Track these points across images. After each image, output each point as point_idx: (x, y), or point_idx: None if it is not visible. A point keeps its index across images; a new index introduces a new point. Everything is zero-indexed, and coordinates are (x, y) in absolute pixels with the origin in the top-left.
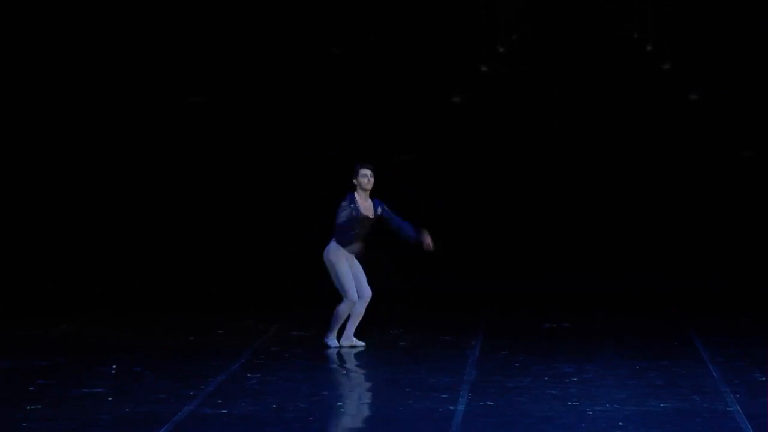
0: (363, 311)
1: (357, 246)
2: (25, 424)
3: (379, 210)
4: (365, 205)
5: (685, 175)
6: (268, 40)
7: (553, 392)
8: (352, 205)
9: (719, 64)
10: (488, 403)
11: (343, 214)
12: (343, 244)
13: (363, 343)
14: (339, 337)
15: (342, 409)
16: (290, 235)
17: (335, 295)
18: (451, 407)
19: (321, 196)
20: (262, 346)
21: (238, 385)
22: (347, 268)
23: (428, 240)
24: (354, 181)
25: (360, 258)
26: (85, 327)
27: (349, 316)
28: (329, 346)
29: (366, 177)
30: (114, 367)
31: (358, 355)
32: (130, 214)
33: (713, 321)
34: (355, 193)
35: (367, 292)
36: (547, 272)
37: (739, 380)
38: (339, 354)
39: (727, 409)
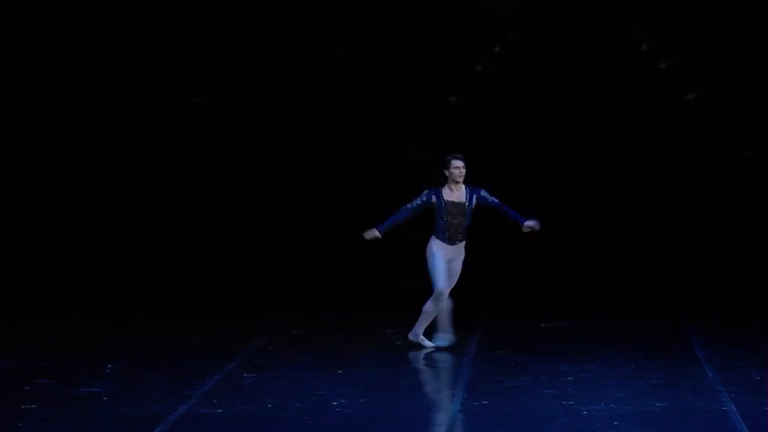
0: (447, 308)
1: (455, 237)
2: (21, 424)
3: (475, 198)
4: (455, 194)
5: (685, 175)
6: (268, 40)
7: (550, 392)
8: (425, 193)
9: (719, 64)
10: (484, 402)
11: (415, 201)
12: (437, 234)
13: (431, 344)
14: (429, 335)
15: (338, 409)
16: (290, 235)
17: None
18: (447, 406)
19: (321, 196)
20: (258, 345)
21: (234, 385)
22: (440, 258)
23: (534, 224)
24: (446, 172)
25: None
26: (83, 327)
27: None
28: (413, 342)
29: (458, 169)
30: (110, 367)
31: (352, 355)
32: (130, 214)
33: (711, 321)
34: (445, 186)
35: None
36: (545, 272)
37: (735, 380)
38: (334, 353)
39: (723, 408)
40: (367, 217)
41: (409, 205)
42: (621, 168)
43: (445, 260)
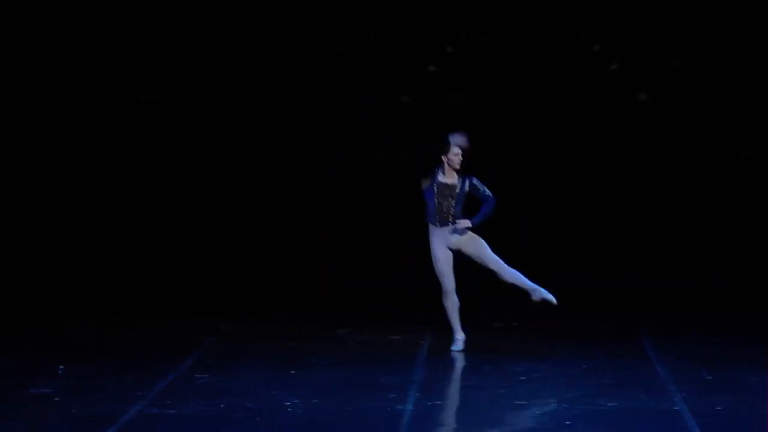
0: (515, 276)
1: (446, 219)
2: None
3: (468, 184)
4: (449, 177)
5: (684, 175)
6: (268, 40)
7: (502, 392)
8: (431, 176)
9: (720, 64)
10: (437, 402)
11: (425, 187)
12: (429, 219)
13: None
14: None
15: (290, 410)
16: (290, 235)
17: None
18: (399, 407)
19: (321, 196)
20: (213, 345)
21: (187, 385)
22: (440, 252)
23: (464, 223)
24: (443, 157)
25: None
26: (46, 327)
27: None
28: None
29: (457, 156)
30: (62, 367)
31: (306, 355)
32: (130, 214)
33: (662, 321)
34: (440, 168)
35: (493, 265)
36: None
37: (686, 379)
38: (288, 353)
39: (675, 408)
40: (367, 217)
41: (432, 182)
42: (620, 168)
43: (445, 252)
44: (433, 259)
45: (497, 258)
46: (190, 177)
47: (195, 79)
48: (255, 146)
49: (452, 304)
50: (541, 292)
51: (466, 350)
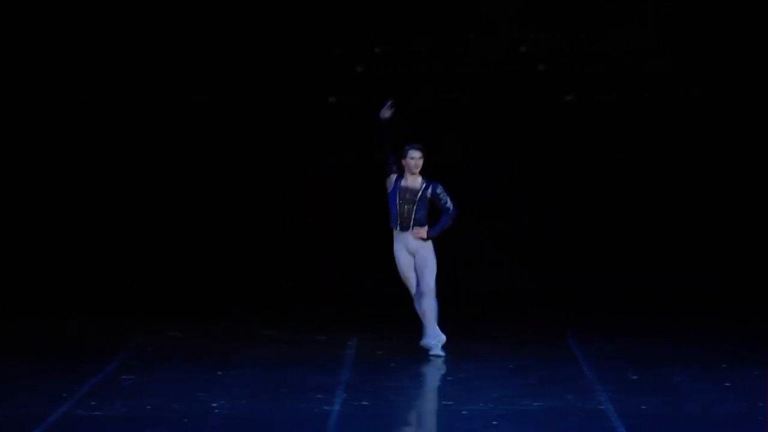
0: (430, 308)
1: (407, 225)
2: None
3: (430, 190)
4: (410, 182)
5: (684, 175)
6: (267, 40)
7: (429, 392)
8: (394, 180)
9: (720, 64)
10: (363, 403)
11: (388, 191)
12: (392, 223)
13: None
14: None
15: (217, 411)
16: (290, 235)
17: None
18: (326, 407)
19: (321, 196)
20: (138, 347)
21: (112, 387)
22: (402, 257)
23: (421, 233)
24: (402, 161)
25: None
26: None
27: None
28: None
29: (414, 159)
30: None
31: (233, 356)
32: (130, 214)
33: (588, 321)
34: (404, 175)
35: (423, 286)
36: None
37: (612, 379)
38: (213, 355)
39: (600, 408)
40: (367, 217)
41: (393, 187)
42: (619, 168)
43: (407, 257)
44: (396, 264)
45: (432, 287)
46: (190, 177)
47: (194, 80)
48: (255, 146)
49: (420, 306)
50: (430, 343)
51: (392, 351)
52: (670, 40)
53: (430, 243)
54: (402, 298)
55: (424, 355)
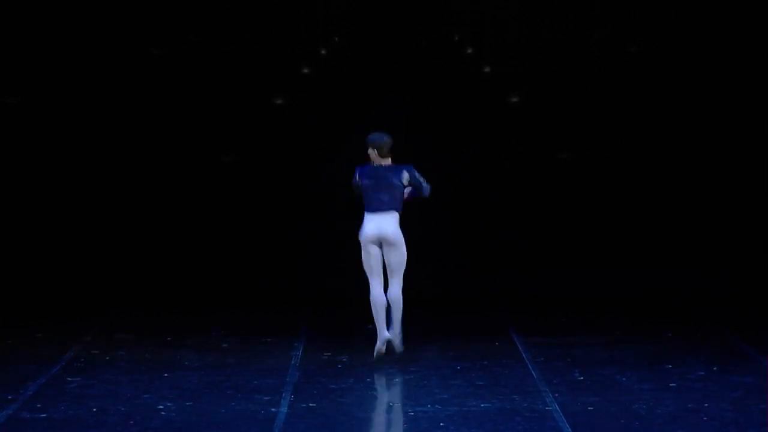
0: (396, 305)
1: (379, 207)
2: None
3: (402, 174)
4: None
5: (684, 175)
6: (267, 39)
7: (376, 393)
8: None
9: (720, 64)
10: (311, 404)
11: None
12: (363, 208)
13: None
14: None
15: (163, 413)
16: (290, 235)
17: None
18: (273, 409)
19: (321, 196)
20: (83, 349)
21: (58, 389)
22: (369, 251)
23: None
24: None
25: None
26: None
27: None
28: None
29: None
30: None
31: (178, 357)
32: (130, 214)
33: (534, 321)
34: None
35: (390, 286)
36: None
37: (558, 380)
38: (160, 356)
39: (547, 408)
40: (302, 218)
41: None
42: (619, 168)
43: (370, 252)
44: (362, 250)
45: (400, 278)
46: (190, 177)
47: (194, 80)
48: (255, 146)
49: (382, 299)
50: (387, 337)
51: (339, 353)
52: (670, 41)
53: (401, 236)
54: (351, 299)
55: (372, 356)
